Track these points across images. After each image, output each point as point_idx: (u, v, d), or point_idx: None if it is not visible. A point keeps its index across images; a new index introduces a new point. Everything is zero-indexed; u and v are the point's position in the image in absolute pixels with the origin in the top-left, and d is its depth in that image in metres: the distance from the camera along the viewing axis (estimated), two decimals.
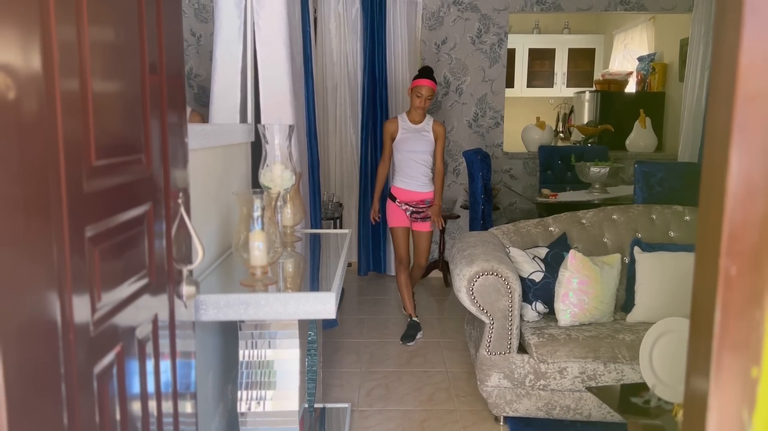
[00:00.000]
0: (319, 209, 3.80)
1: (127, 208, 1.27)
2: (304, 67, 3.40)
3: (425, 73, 3.90)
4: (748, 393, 0.73)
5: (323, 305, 1.79)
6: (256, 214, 1.86)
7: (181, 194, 1.56)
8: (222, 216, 2.27)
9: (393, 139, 4.01)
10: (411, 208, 4.04)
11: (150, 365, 1.40)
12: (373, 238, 5.35)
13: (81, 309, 1.06)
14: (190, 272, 1.63)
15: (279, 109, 2.68)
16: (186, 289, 1.60)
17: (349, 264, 5.44)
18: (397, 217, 4.08)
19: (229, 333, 2.38)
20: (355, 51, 5.30)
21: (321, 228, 4.02)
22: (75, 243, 1.04)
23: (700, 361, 0.78)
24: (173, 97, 1.49)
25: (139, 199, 1.35)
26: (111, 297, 1.19)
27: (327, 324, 3.78)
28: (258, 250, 1.88)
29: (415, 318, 4.13)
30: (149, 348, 1.40)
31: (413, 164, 3.99)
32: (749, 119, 0.69)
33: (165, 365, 1.49)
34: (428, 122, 4.01)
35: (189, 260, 1.62)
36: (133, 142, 1.31)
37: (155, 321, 1.43)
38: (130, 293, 1.30)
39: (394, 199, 4.06)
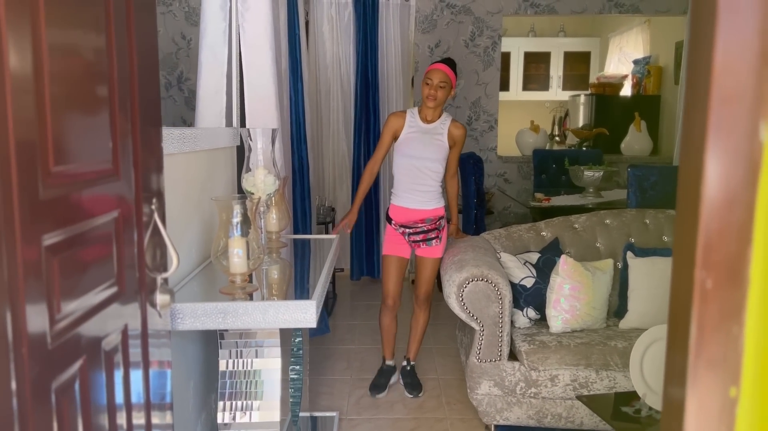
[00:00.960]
0: (310, 214, 3.75)
1: (91, 216, 1.23)
2: (292, 70, 3.36)
3: (444, 60, 3.16)
4: (727, 414, 0.69)
5: (304, 314, 1.75)
6: (236, 220, 1.82)
7: (154, 200, 1.52)
8: (205, 222, 2.22)
9: (395, 138, 3.13)
10: (409, 230, 3.14)
11: (119, 376, 1.35)
12: (367, 242, 5.31)
13: (36, 321, 1.01)
14: (165, 280, 1.59)
15: (264, 112, 2.64)
16: (160, 298, 1.56)
17: (342, 269, 5.39)
18: (392, 243, 3.19)
19: (212, 341, 2.33)
20: (348, 54, 5.27)
21: (312, 233, 3.97)
22: (29, 253, 1.00)
23: (677, 378, 0.73)
24: (146, 99, 1.45)
25: (106, 206, 1.30)
26: (73, 308, 1.14)
27: (318, 330, 3.74)
28: (237, 257, 1.84)
29: (389, 362, 3.38)
30: (118, 358, 1.36)
31: (418, 175, 3.08)
32: (724, 122, 0.65)
33: (136, 375, 1.45)
34: (444, 122, 3.13)
35: (164, 268, 1.58)
36: (98, 147, 1.27)
37: (125, 332, 1.39)
38: (96, 303, 1.25)
39: (390, 220, 3.21)
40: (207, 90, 2.60)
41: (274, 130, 2.17)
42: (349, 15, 5.22)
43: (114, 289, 1.34)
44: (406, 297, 4.45)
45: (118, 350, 1.35)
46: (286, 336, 2.08)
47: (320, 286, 1.90)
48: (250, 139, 2.13)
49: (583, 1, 5.39)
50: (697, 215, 0.67)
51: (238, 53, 2.57)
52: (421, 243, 3.16)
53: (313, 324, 1.75)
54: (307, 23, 5.12)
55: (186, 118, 4.92)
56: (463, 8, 5.39)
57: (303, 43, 3.83)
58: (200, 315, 1.74)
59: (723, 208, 0.66)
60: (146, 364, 1.50)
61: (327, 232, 4.83)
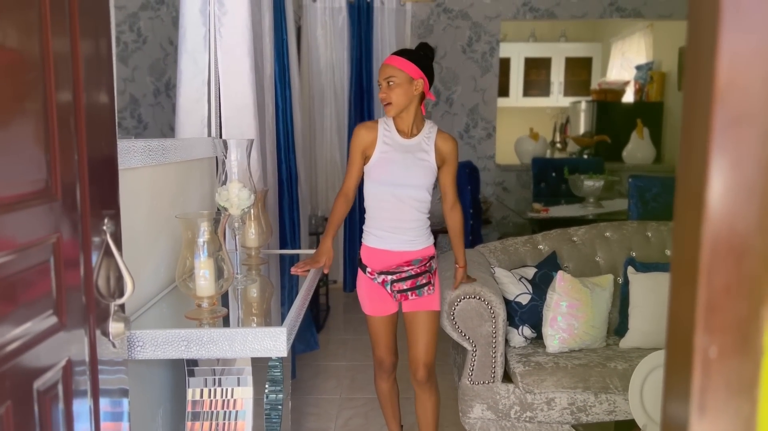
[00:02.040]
0: (298, 225, 3.62)
1: (21, 241, 1.10)
2: (280, 77, 3.23)
3: (401, 50, 2.36)
4: None
5: (273, 342, 1.61)
6: (201, 239, 1.68)
7: (107, 220, 1.39)
8: (175, 239, 2.09)
9: (366, 158, 2.34)
10: (391, 277, 2.37)
11: (58, 413, 1.22)
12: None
13: None
14: (121, 307, 1.46)
15: (241, 121, 2.52)
16: (113, 326, 1.43)
17: (335, 281, 5.26)
18: (372, 299, 2.43)
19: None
20: (342, 60, 5.15)
21: (301, 245, 3.84)
22: None
23: None
24: (95, 109, 1.32)
25: (42, 229, 1.17)
26: None
27: (307, 346, 3.60)
28: (204, 279, 1.71)
29: None
30: (59, 391, 1.23)
31: (399, 207, 2.32)
32: (730, 149, 0.52)
33: (82, 409, 1.31)
34: (429, 135, 2.35)
35: (118, 294, 1.45)
36: (32, 163, 1.14)
37: (68, 366, 1.26)
38: (28, 339, 1.12)
39: (363, 268, 2.43)
40: (187, 98, 2.48)
41: (249, 141, 2.04)
42: (344, 20, 5.10)
43: (52, 321, 1.21)
44: None
45: (56, 388, 1.22)
46: (266, 359, 1.94)
47: (294, 311, 1.77)
48: (225, 152, 2.00)
49: (583, 5, 5.26)
50: (696, 266, 0.53)
51: (214, 60, 2.44)
52: (409, 293, 2.37)
53: (284, 354, 1.62)
54: (300, 28, 5.00)
55: (174, 125, 4.81)
56: (460, 13, 5.27)
57: (292, 49, 3.70)
58: (161, 343, 1.61)
59: (730, 258, 0.53)
60: (96, 397, 1.37)
61: (318, 242, 4.71)
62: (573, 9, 5.28)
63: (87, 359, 1.33)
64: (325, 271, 2.45)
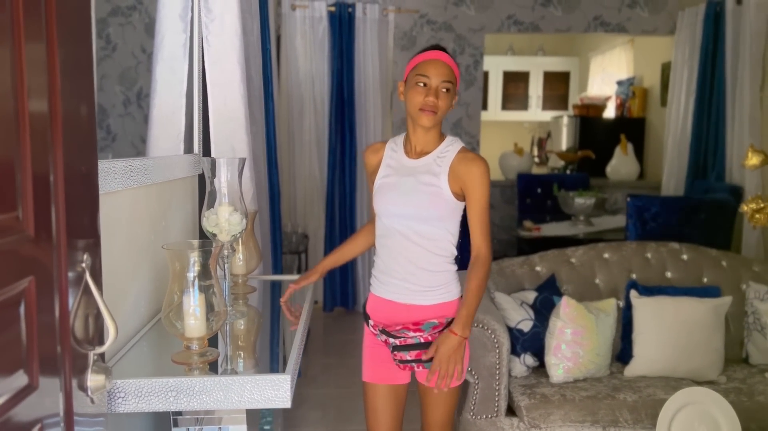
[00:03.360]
0: (280, 245, 3.41)
1: None
2: (264, 89, 3.04)
3: (435, 45, 1.89)
4: None
5: (275, 391, 1.41)
6: (191, 274, 1.48)
7: (86, 255, 1.18)
8: (156, 268, 1.88)
9: None
10: (393, 340, 1.87)
11: None
12: (341, 270, 4.97)
13: None
14: (100, 356, 1.25)
15: (232, 136, 2.32)
16: (92, 379, 1.21)
17: (316, 302, 5.05)
18: (373, 359, 1.98)
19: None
20: (322, 71, 4.97)
21: (282, 266, 3.63)
22: None
23: None
24: (74, 128, 1.12)
25: (13, 274, 0.96)
26: None
27: None
28: (194, 318, 1.50)
29: None
30: None
31: (405, 245, 1.87)
32: None
33: None
34: (444, 153, 1.86)
35: (98, 341, 1.24)
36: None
37: None
38: None
39: (367, 319, 2.00)
40: (162, 110, 2.27)
41: (241, 160, 1.84)
42: (324, 29, 4.93)
43: (22, 382, 1.00)
44: None
45: None
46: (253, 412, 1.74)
47: (295, 354, 1.57)
48: (213, 172, 1.80)
49: (568, 19, 5.19)
50: None
51: (201, 69, 2.24)
52: (415, 365, 1.87)
53: (287, 404, 1.42)
54: (279, 38, 4.81)
55: (146, 136, 4.55)
56: (444, 25, 5.14)
57: (274, 59, 3.52)
58: (146, 394, 1.40)
59: None
60: None
61: (300, 262, 4.49)
62: (557, 23, 5.20)
63: (62, 420, 1.12)
64: (294, 286, 2.07)
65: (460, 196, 1.84)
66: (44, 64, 1.02)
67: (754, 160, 1.72)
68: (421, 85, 1.80)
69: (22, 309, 0.99)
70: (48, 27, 1.04)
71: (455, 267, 1.94)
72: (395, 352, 1.88)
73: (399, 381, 1.96)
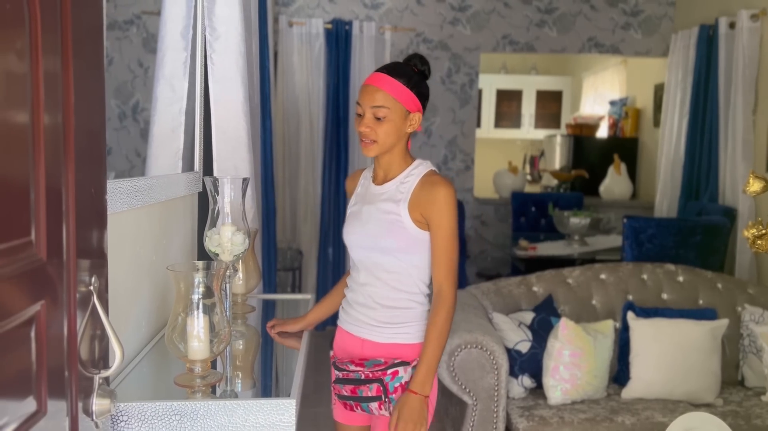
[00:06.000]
0: (275, 262, 3.40)
1: (0, 317, 0.88)
2: (262, 106, 3.04)
3: (388, 66, 1.75)
4: None
5: (280, 416, 1.40)
6: (196, 296, 1.47)
7: (94, 278, 1.17)
8: (158, 288, 1.86)
9: None
10: (338, 372, 1.77)
11: None
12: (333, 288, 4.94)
13: None
14: (105, 380, 1.23)
15: (234, 155, 2.31)
16: (98, 404, 1.20)
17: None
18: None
19: None
20: (318, 88, 4.98)
21: (276, 283, 3.61)
22: None
23: None
24: (86, 147, 1.11)
25: (25, 300, 0.95)
26: None
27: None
28: (198, 341, 1.49)
29: None
30: None
31: (366, 279, 1.76)
32: None
33: None
34: (407, 178, 1.71)
35: (104, 364, 1.22)
36: (13, 221, 0.92)
37: None
38: None
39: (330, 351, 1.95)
40: (162, 127, 2.26)
41: (245, 180, 1.83)
42: (321, 46, 4.94)
43: (31, 408, 0.99)
44: None
45: None
46: None
47: (298, 378, 1.56)
48: (216, 191, 1.79)
49: (562, 40, 5.24)
50: None
51: (203, 87, 2.24)
52: (351, 402, 1.73)
53: (292, 429, 1.41)
54: (276, 54, 4.83)
55: (141, 151, 4.52)
56: (440, 44, 5.18)
57: (272, 77, 3.52)
58: (150, 417, 1.38)
59: None
60: None
61: (294, 280, 4.47)
62: (552, 43, 5.25)
63: None
64: (268, 328, 1.90)
65: (425, 225, 1.68)
66: (59, 79, 1.02)
67: (755, 186, 1.73)
68: (358, 114, 1.71)
69: (33, 333, 0.98)
70: (63, 43, 1.03)
71: (425, 306, 1.75)
72: (334, 385, 1.78)
73: (362, 422, 1.84)
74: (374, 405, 1.69)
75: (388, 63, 1.78)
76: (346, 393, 1.73)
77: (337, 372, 1.78)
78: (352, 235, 1.78)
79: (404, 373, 1.67)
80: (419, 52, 5.10)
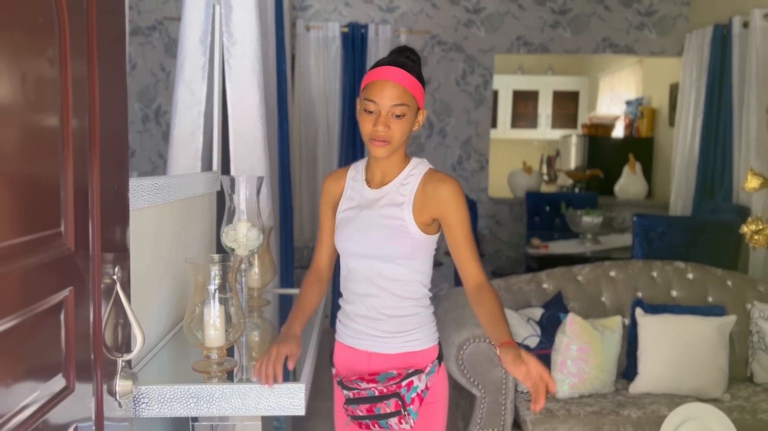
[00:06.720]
0: (292, 259, 3.50)
1: (34, 300, 0.98)
2: (279, 109, 3.14)
3: (395, 59, 1.59)
4: None
5: (290, 399, 1.49)
6: (212, 287, 1.56)
7: (117, 268, 1.27)
8: (177, 280, 1.96)
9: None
10: (348, 392, 1.63)
11: None
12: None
13: None
14: (128, 363, 1.33)
15: (251, 156, 2.41)
16: (120, 385, 1.30)
17: (326, 315, 5.11)
18: (340, 415, 1.73)
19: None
20: (335, 90, 5.08)
21: (293, 279, 3.71)
22: None
23: None
24: (109, 145, 1.21)
25: (55, 285, 1.05)
26: None
27: None
28: (215, 329, 1.58)
29: None
30: None
31: (366, 289, 1.65)
32: None
33: None
34: (408, 179, 1.62)
35: (126, 348, 1.32)
36: (45, 213, 1.02)
37: None
38: (36, 408, 1.00)
39: (332, 368, 1.79)
40: (182, 130, 2.37)
41: (260, 178, 1.93)
42: (337, 49, 5.04)
43: (61, 385, 1.09)
44: None
45: None
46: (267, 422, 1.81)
47: (308, 364, 1.65)
48: (232, 190, 1.89)
49: (576, 40, 5.28)
50: None
51: (221, 91, 2.34)
52: (369, 422, 1.59)
53: (302, 412, 1.50)
54: (293, 57, 4.94)
55: (163, 152, 4.67)
56: (455, 45, 5.25)
57: (289, 80, 3.63)
58: (169, 399, 1.48)
59: None
60: None
61: None
62: (566, 44, 5.29)
63: (93, 423, 1.20)
64: (290, 366, 1.53)
65: (430, 228, 1.60)
66: (86, 83, 1.11)
67: (753, 182, 1.78)
68: (369, 111, 1.54)
69: (62, 316, 1.08)
70: (89, 48, 1.12)
71: (430, 309, 1.68)
72: (347, 406, 1.63)
73: None
74: (393, 421, 1.56)
75: (392, 56, 1.61)
76: (361, 413, 1.59)
77: (346, 392, 1.63)
78: (349, 242, 1.64)
79: (419, 382, 1.58)
80: (434, 55, 5.21)
